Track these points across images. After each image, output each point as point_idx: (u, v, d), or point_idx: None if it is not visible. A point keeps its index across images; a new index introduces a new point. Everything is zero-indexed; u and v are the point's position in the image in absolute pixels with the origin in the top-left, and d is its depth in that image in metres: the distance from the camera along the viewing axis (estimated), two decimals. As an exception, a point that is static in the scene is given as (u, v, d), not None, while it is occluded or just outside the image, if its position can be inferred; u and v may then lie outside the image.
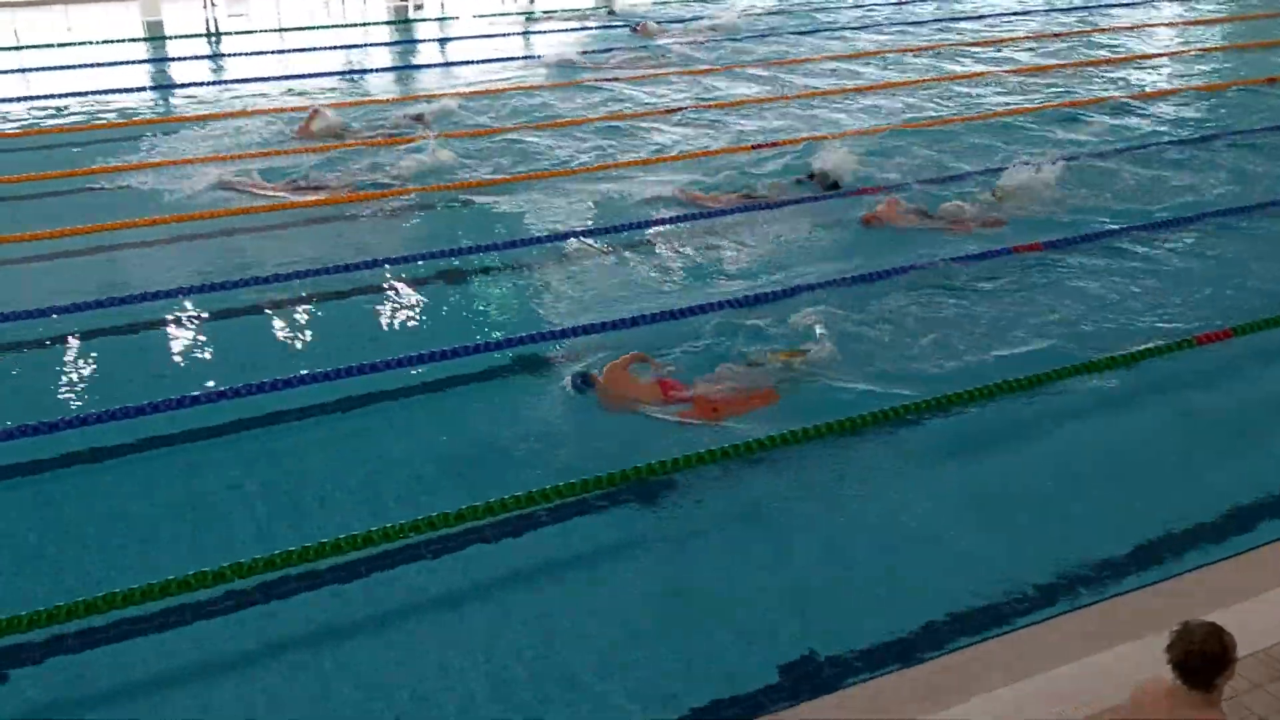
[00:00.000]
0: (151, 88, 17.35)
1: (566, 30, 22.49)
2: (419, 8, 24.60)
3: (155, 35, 21.22)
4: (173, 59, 19.97)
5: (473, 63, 18.84)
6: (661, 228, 10.71)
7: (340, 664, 5.07)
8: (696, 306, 8.68)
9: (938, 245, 9.99)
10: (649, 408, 7.19)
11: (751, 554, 5.83)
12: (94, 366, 8.06)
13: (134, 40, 20.55)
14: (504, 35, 21.94)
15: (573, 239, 10.50)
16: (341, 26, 22.63)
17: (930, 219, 10.66)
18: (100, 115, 15.09)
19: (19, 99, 16.16)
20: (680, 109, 15.08)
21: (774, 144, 13.27)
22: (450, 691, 4.89)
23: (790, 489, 6.40)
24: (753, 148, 13.11)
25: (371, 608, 5.48)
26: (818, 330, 8.06)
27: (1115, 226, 10.36)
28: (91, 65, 17.99)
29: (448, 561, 5.78)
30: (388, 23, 23.28)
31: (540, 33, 22.36)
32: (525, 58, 19.27)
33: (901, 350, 7.93)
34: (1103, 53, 18.76)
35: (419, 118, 14.36)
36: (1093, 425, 7.15)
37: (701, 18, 22.51)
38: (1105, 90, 15.78)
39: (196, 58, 19.75)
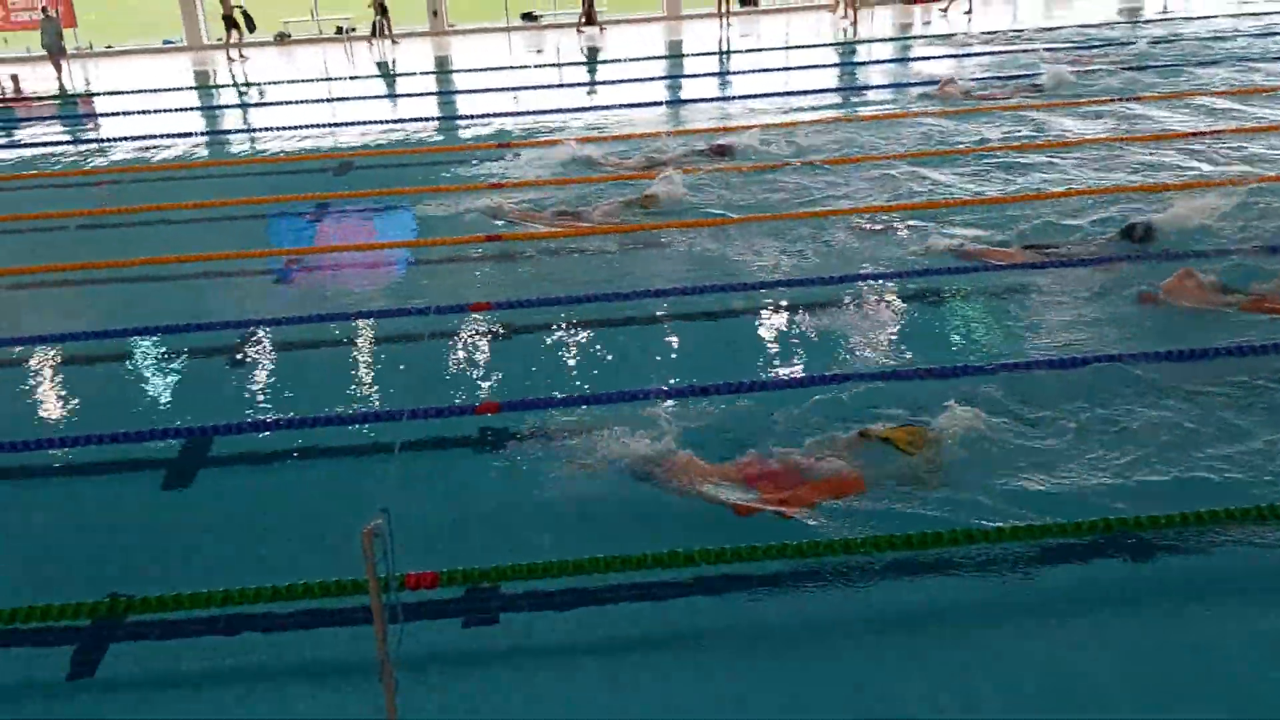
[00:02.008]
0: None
1: (959, 55, 21.84)
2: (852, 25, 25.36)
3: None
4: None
5: (817, 91, 18.70)
6: (899, 282, 9.77)
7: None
8: (851, 374, 7.77)
9: (1223, 331, 8.19)
10: (712, 489, 6.31)
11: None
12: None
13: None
14: (888, 61, 21.75)
15: (797, 287, 9.78)
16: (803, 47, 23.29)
17: (1234, 296, 8.66)
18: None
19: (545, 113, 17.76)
20: (997, 147, 14.12)
21: (1094, 191, 11.98)
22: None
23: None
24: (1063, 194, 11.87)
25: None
26: (959, 414, 6.78)
27: None
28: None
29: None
30: (835, 44, 23.69)
31: (927, 58, 21.82)
32: (890, 85, 18.89)
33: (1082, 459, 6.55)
34: None
35: (722, 149, 14.35)
36: None
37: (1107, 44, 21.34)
38: None
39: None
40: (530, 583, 5.65)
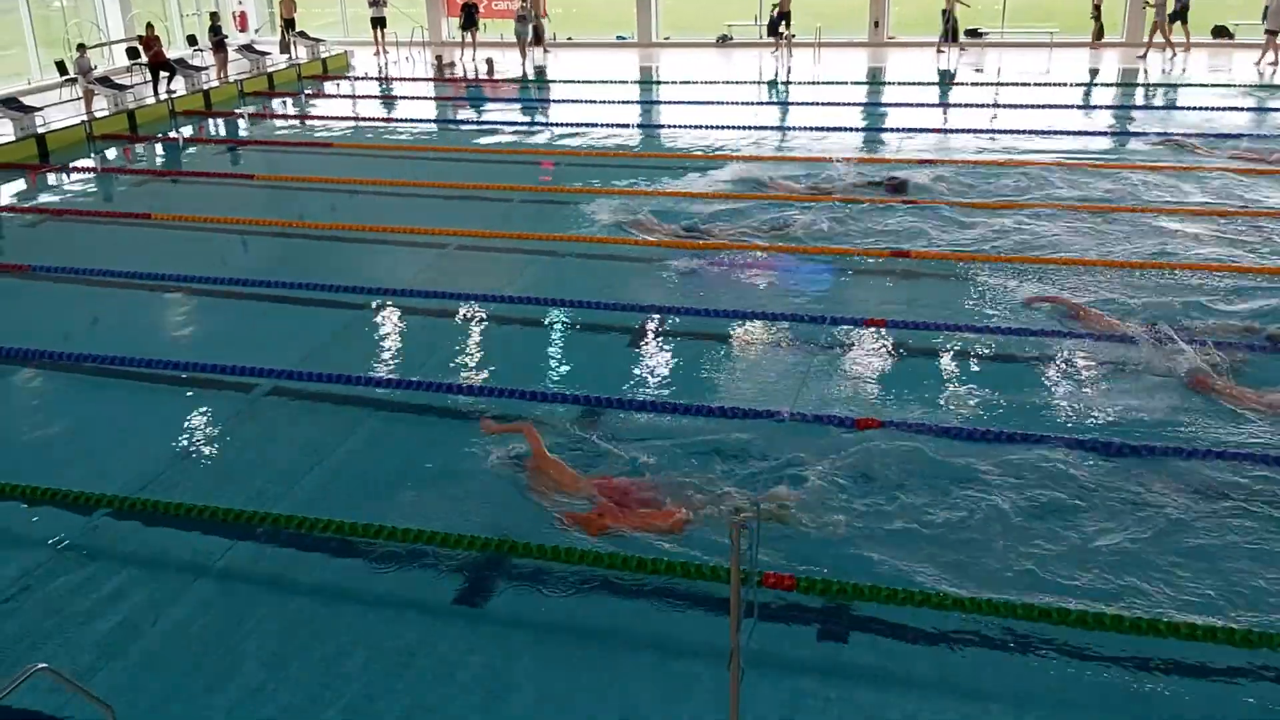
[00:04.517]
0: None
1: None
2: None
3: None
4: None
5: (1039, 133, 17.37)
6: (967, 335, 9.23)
7: None
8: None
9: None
10: (557, 495, 6.67)
11: None
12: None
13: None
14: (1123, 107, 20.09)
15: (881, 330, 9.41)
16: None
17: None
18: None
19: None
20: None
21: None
22: None
23: None
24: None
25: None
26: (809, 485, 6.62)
27: None
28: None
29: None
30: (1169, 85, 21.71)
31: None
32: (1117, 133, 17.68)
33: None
34: None
35: (898, 184, 13.92)
36: None
37: None
38: None
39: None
40: (890, 608, 5.53)
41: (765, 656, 5.14)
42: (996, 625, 5.42)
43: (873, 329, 9.38)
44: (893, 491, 6.68)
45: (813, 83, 23.76)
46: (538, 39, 29.76)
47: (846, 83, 23.37)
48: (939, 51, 27.17)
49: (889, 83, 24.25)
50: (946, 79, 24.04)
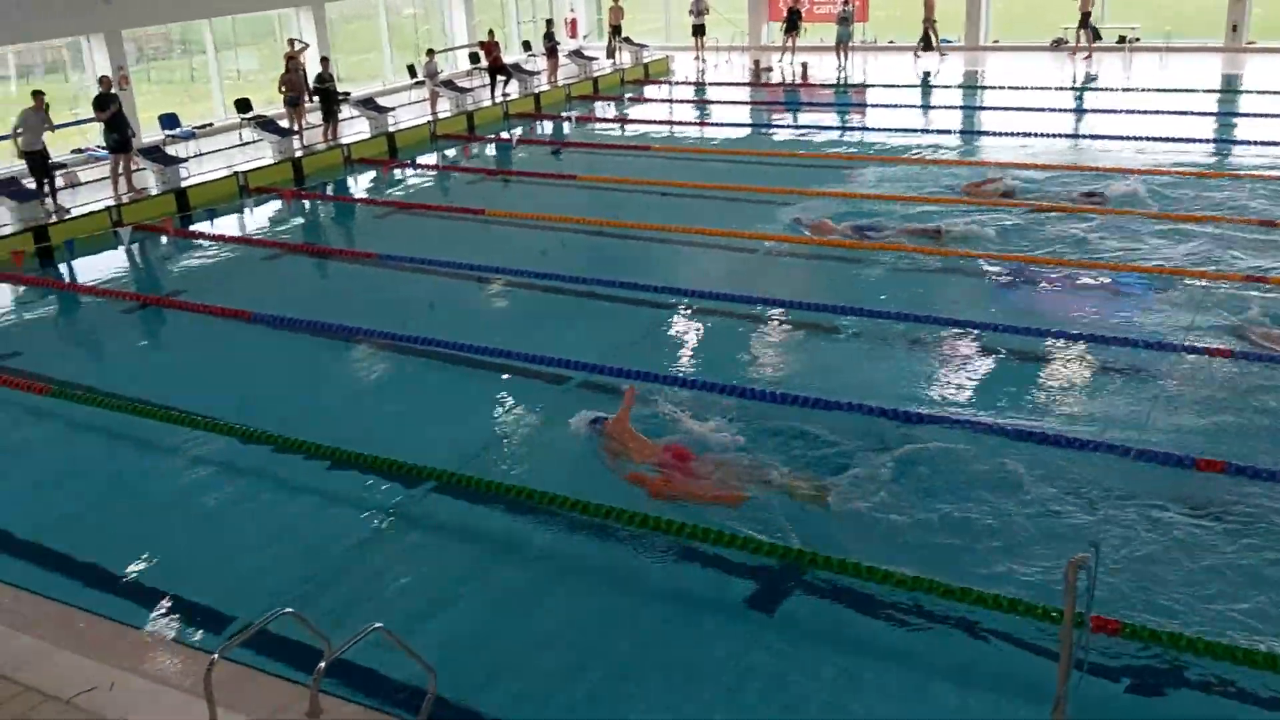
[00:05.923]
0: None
1: None
2: None
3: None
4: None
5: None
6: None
7: None
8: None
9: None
10: (628, 463, 7.04)
11: None
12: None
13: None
14: None
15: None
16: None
17: None
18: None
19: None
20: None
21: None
22: None
23: None
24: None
25: None
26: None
27: None
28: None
29: None
30: None
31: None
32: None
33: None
34: None
35: (1094, 194, 13.57)
36: None
37: None
38: None
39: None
40: (1227, 666, 4.99)
41: (1083, 704, 4.76)
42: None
43: (1219, 359, 8.55)
44: (1233, 540, 6.04)
45: (1109, 89, 21.92)
46: (928, 44, 29.17)
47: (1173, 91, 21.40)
48: None
49: (1238, 91, 22.07)
50: None
